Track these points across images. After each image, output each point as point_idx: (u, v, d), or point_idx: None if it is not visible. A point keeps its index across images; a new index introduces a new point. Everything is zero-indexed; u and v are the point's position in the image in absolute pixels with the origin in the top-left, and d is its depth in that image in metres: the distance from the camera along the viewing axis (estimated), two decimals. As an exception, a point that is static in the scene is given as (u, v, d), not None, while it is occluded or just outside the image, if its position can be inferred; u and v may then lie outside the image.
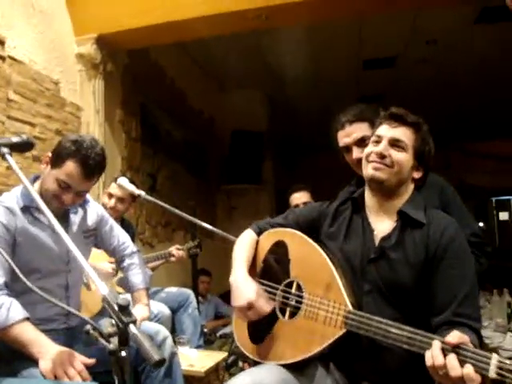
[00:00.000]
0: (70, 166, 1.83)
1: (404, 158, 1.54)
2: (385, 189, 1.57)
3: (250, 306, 1.59)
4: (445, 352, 1.21)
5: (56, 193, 1.86)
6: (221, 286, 5.87)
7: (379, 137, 1.58)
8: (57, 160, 1.86)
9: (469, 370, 1.17)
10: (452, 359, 1.19)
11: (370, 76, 6.59)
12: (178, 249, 3.37)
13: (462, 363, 1.18)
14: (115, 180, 3.16)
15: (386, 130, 1.58)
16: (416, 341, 1.29)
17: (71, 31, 3.78)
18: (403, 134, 1.56)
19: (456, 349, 1.20)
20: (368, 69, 6.37)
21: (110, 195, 3.16)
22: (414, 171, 1.58)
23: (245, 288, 1.64)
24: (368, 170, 1.57)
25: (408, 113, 1.59)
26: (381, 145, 1.56)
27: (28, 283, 1.21)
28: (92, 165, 1.84)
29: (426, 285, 1.47)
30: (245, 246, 1.82)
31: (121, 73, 4.34)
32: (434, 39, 5.49)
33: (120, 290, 2.89)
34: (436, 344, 1.23)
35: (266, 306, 1.61)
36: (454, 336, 1.22)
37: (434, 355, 1.22)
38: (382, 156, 1.54)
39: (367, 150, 1.61)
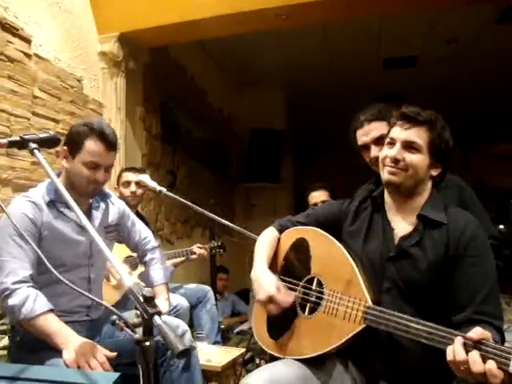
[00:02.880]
0: (91, 145, 1.89)
1: (419, 159, 1.54)
2: (402, 191, 1.57)
3: (271, 300, 1.63)
4: (467, 348, 1.21)
5: (88, 176, 1.91)
6: (238, 283, 5.91)
7: (392, 139, 1.58)
8: (75, 147, 1.91)
9: (491, 365, 1.16)
10: (474, 354, 1.18)
11: (391, 75, 6.55)
12: (200, 247, 3.40)
13: (483, 359, 1.17)
14: (125, 170, 3.34)
15: (399, 132, 1.56)
16: (437, 336, 1.28)
17: (94, 30, 3.84)
18: (416, 134, 1.54)
19: (478, 344, 1.20)
20: (388, 68, 6.34)
21: (128, 183, 3.24)
22: (431, 169, 1.58)
23: (264, 282, 1.67)
24: (384, 174, 1.58)
25: (420, 111, 1.56)
26: (394, 148, 1.55)
27: (58, 275, 1.25)
28: (109, 136, 1.92)
29: (445, 283, 1.47)
30: (266, 242, 1.85)
31: (142, 71, 4.39)
32: (456, 38, 5.44)
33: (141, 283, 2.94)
34: (458, 339, 1.22)
35: (286, 300, 1.65)
36: (476, 331, 1.21)
37: (455, 350, 1.21)
38: (396, 161, 1.54)
39: (382, 153, 1.61)
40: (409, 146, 1.54)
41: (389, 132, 1.63)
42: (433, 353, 1.31)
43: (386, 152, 1.58)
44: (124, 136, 3.97)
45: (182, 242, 5.09)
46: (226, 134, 6.86)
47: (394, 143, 1.57)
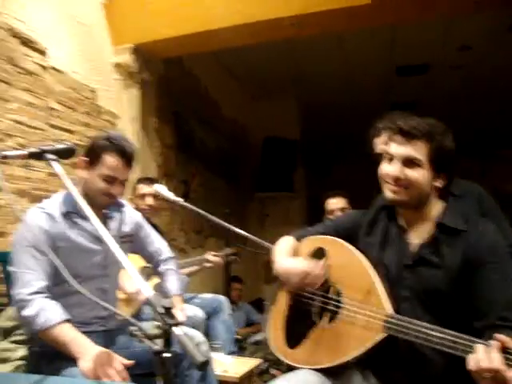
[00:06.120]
0: (110, 159, 1.92)
1: (420, 174, 1.50)
2: (408, 206, 1.56)
3: (306, 276, 1.64)
4: (490, 355, 1.18)
5: (104, 189, 1.93)
6: (252, 293, 5.89)
7: (391, 155, 1.54)
8: (95, 159, 1.93)
9: None
10: (499, 361, 1.17)
11: (403, 83, 6.53)
12: (214, 255, 3.38)
13: (508, 366, 1.16)
14: (139, 181, 3.31)
15: (397, 148, 1.52)
16: (460, 344, 1.26)
17: (109, 41, 3.89)
18: (415, 150, 1.49)
19: (501, 352, 1.18)
20: (401, 75, 6.32)
21: (143, 195, 3.24)
22: (434, 181, 1.54)
23: (292, 265, 1.69)
24: (386, 193, 1.56)
25: (416, 124, 1.50)
26: (394, 166, 1.52)
27: (77, 285, 1.25)
28: (128, 152, 1.95)
29: (463, 291, 1.45)
30: (285, 246, 1.82)
31: (156, 81, 4.42)
32: (468, 46, 5.43)
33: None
34: (480, 347, 1.21)
35: (317, 267, 1.67)
36: (501, 339, 1.20)
37: (479, 358, 1.19)
38: (397, 179, 1.51)
39: (382, 168, 1.58)
40: (409, 161, 1.50)
41: (386, 147, 1.59)
42: (454, 363, 1.29)
43: (386, 169, 1.55)
44: (139, 147, 4.00)
45: (195, 252, 5.09)
46: (240, 144, 6.87)
47: (393, 159, 1.54)
